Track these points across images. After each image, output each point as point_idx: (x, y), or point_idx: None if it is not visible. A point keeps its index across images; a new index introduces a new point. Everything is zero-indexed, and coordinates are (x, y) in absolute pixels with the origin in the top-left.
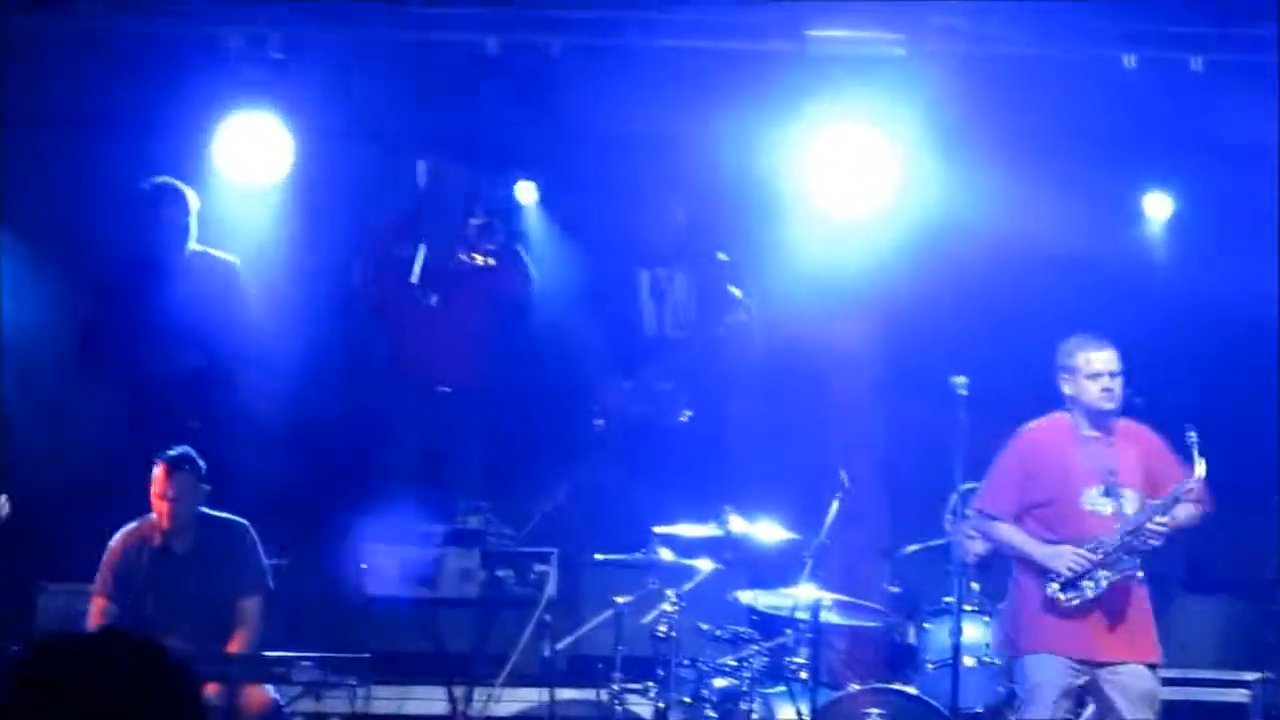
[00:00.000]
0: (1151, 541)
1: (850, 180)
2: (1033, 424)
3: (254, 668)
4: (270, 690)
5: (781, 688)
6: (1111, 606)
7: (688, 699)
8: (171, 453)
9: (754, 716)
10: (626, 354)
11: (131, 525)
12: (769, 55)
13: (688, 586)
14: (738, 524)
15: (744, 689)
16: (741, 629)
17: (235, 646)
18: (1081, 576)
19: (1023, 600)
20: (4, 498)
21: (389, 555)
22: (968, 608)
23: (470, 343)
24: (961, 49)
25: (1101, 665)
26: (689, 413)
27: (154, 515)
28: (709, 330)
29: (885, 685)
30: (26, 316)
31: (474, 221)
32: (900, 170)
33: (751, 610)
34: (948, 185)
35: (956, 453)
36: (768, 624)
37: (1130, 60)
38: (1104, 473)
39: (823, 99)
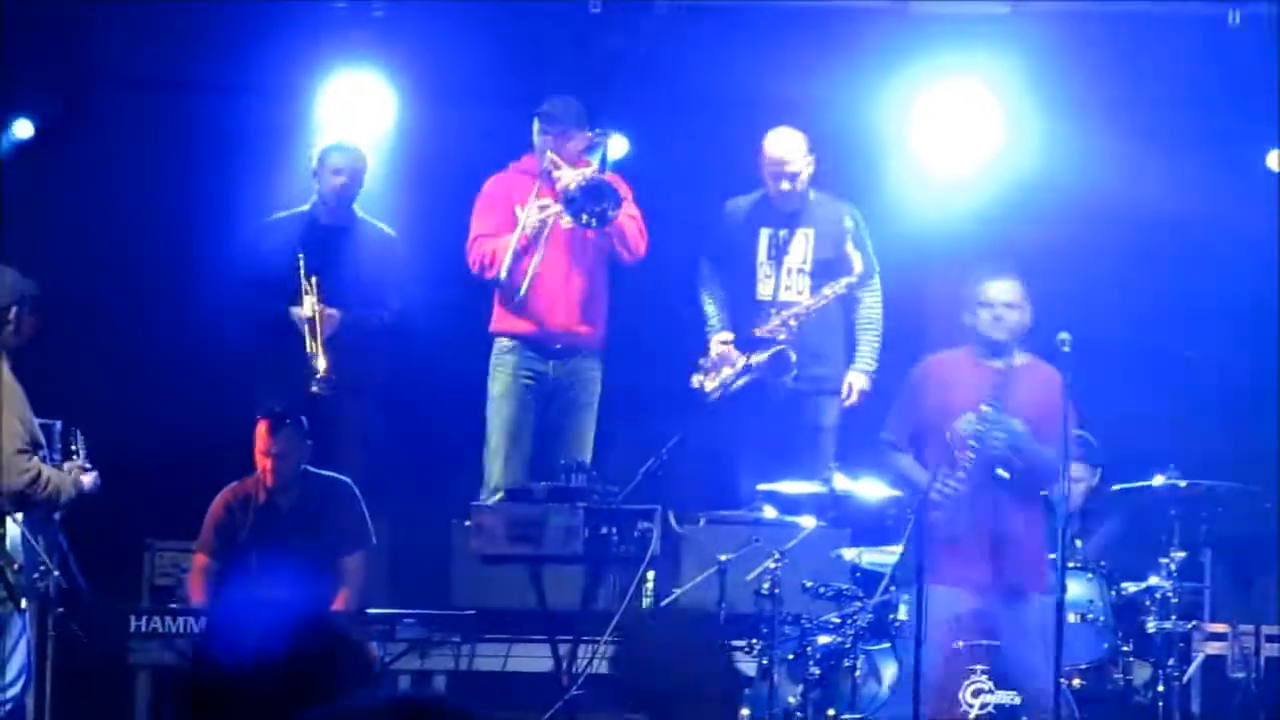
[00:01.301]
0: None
1: (953, 138)
2: (934, 355)
3: (357, 625)
4: (374, 647)
5: (886, 644)
6: (1003, 538)
7: (791, 656)
8: (275, 409)
9: (857, 673)
10: (738, 315)
11: (235, 483)
12: (872, 12)
13: (791, 544)
14: (841, 481)
15: (847, 646)
16: (845, 586)
17: (339, 604)
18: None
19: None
20: (94, 473)
21: (493, 512)
22: (1071, 564)
23: (583, 297)
24: (1064, 6)
25: (997, 597)
26: (789, 376)
27: (258, 472)
28: (821, 290)
29: (989, 642)
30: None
31: (582, 179)
32: (1003, 128)
33: (855, 567)
34: (1051, 143)
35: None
36: (871, 581)
37: (1235, 16)
38: (987, 400)
39: (925, 57)
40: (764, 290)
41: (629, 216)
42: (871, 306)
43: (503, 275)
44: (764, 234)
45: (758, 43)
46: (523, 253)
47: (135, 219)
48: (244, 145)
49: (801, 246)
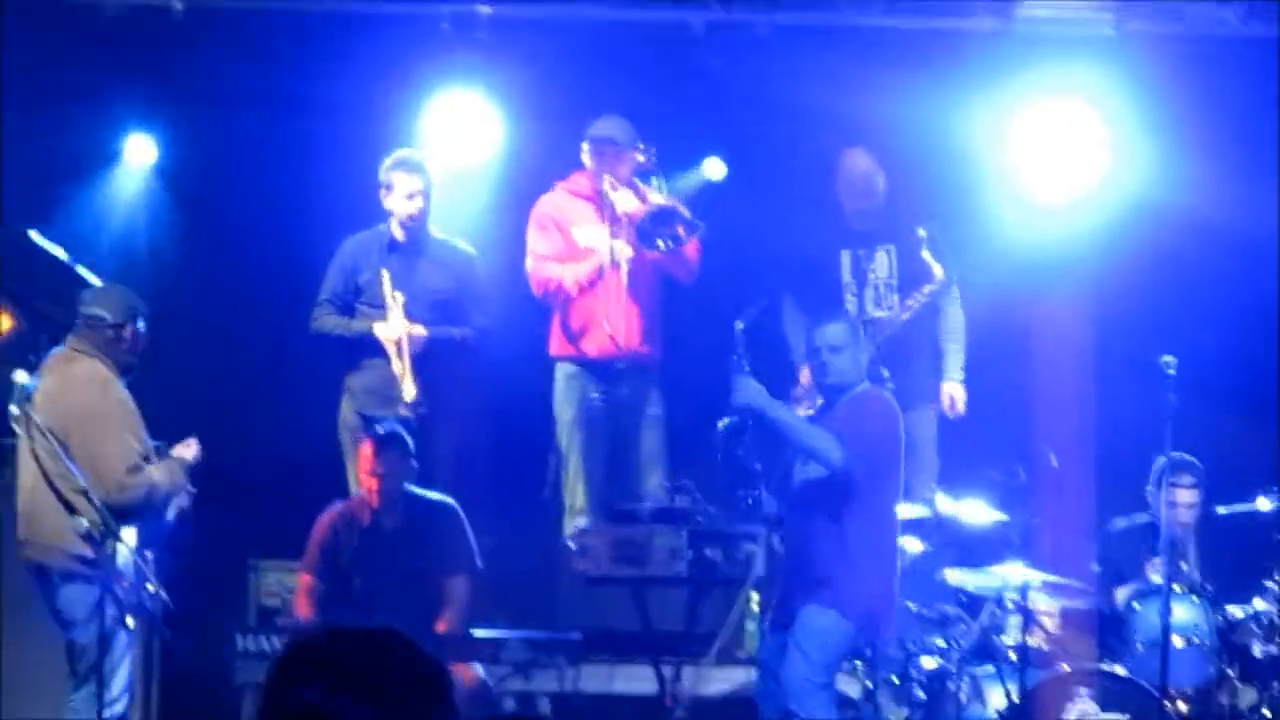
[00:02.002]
0: None
1: (1056, 161)
2: None
3: (462, 647)
4: (479, 669)
5: (990, 668)
6: None
7: (895, 678)
8: (379, 430)
9: (962, 696)
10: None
11: (340, 503)
12: (976, 32)
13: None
14: (945, 504)
15: (952, 669)
16: (949, 609)
17: (443, 625)
18: None
19: None
20: (193, 442)
21: (597, 534)
22: (1177, 588)
23: (642, 316)
24: (1170, 28)
25: None
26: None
27: (362, 493)
28: (906, 301)
29: (1094, 666)
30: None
31: (651, 207)
32: (1106, 151)
33: (959, 590)
34: (1154, 167)
35: (1165, 434)
36: (975, 604)
37: None
38: None
39: (1029, 79)
40: (851, 309)
41: (693, 220)
42: (954, 315)
43: (574, 293)
44: (845, 256)
45: (860, 64)
46: (589, 285)
47: (241, 238)
48: (348, 164)
49: (885, 263)
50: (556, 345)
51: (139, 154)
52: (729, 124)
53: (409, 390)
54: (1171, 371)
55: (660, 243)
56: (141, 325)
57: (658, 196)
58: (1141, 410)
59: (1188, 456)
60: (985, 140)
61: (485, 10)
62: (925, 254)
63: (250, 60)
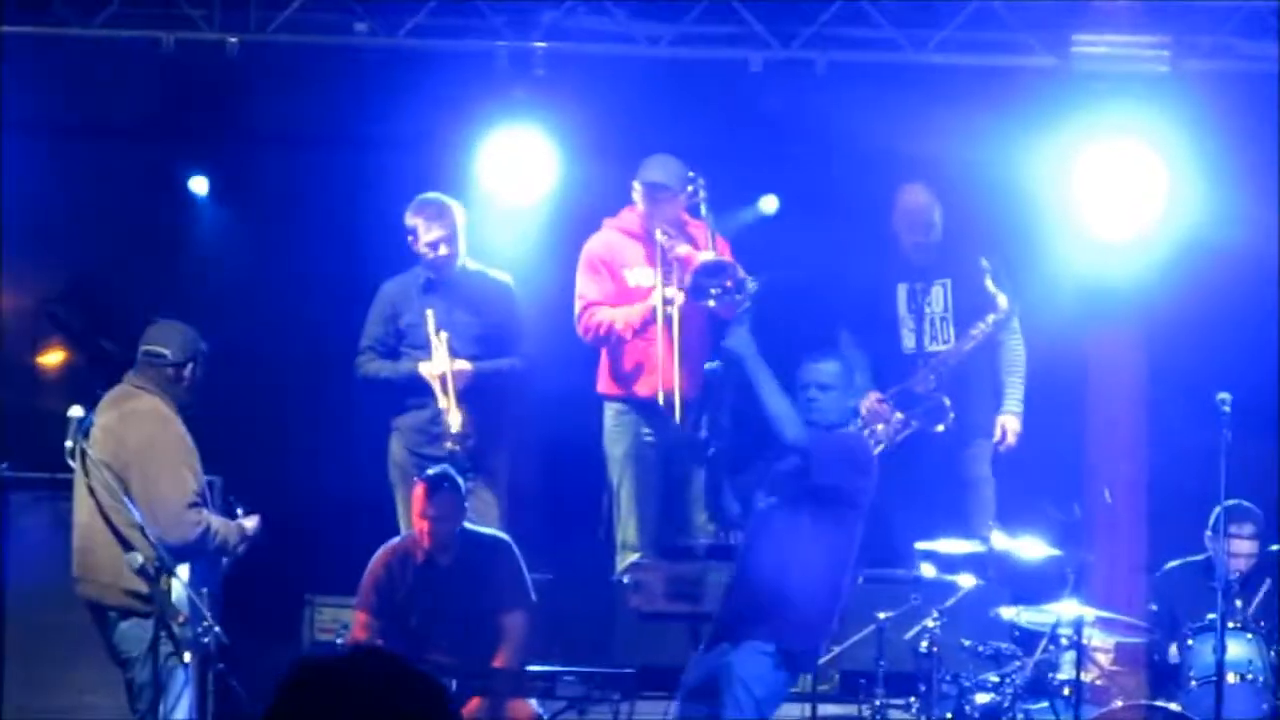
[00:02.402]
0: None
1: (1113, 196)
2: None
3: (518, 682)
4: (534, 705)
5: (1044, 704)
6: None
7: (950, 715)
8: (431, 472)
9: None
10: (885, 371)
11: (395, 540)
12: (1032, 70)
13: (950, 602)
14: (1000, 540)
15: (1006, 705)
16: (1004, 645)
17: (499, 661)
18: None
19: None
20: (256, 517)
21: (652, 570)
22: (1232, 625)
23: (690, 357)
24: (1224, 65)
25: None
26: (947, 422)
27: (414, 533)
28: (963, 339)
29: (1150, 702)
30: (293, 330)
31: (702, 262)
32: (1165, 187)
33: (1014, 626)
34: (1212, 204)
35: (1220, 470)
36: (1030, 640)
37: None
38: None
39: (1086, 115)
40: (908, 343)
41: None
42: (1014, 348)
43: (626, 337)
44: (901, 289)
45: (916, 101)
46: (641, 330)
47: (298, 276)
48: (403, 201)
49: (941, 296)
50: (604, 385)
51: (196, 191)
52: (786, 161)
53: (455, 421)
54: (1227, 409)
55: (712, 292)
56: (201, 364)
57: (708, 254)
58: (1197, 446)
59: (1246, 503)
60: (1043, 177)
61: (542, 46)
62: (989, 284)
63: (305, 97)
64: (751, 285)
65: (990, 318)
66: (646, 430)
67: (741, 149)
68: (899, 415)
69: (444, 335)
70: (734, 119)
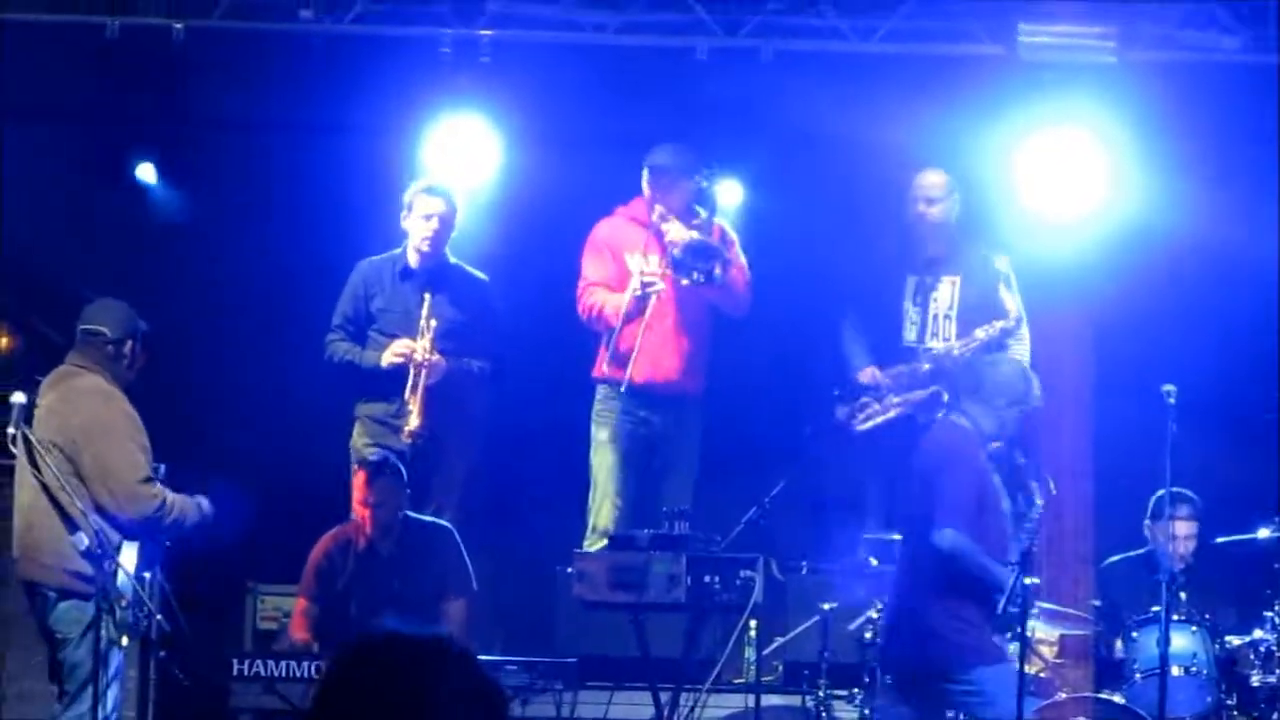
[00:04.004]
0: None
1: (1059, 184)
2: None
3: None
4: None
5: None
6: None
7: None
8: (372, 458)
9: None
10: (882, 358)
11: (337, 528)
12: (979, 59)
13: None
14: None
15: None
16: None
17: None
18: None
19: None
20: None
21: (596, 559)
22: (1175, 617)
23: (688, 349)
24: (1171, 56)
25: None
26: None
27: (357, 519)
28: (966, 339)
29: (1094, 695)
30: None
31: (688, 241)
32: (1108, 175)
33: None
34: (1155, 192)
35: (1165, 462)
36: None
37: None
38: None
39: (1031, 104)
40: (909, 335)
41: (737, 270)
42: (1021, 356)
43: (617, 326)
44: (910, 280)
45: (864, 90)
46: (630, 318)
47: (241, 260)
48: (348, 187)
49: (948, 292)
50: (598, 367)
51: (140, 175)
52: (734, 149)
53: (413, 421)
54: (1172, 400)
55: (694, 274)
56: (140, 342)
57: (694, 233)
58: (1142, 437)
59: (1185, 490)
60: (990, 164)
61: (488, 34)
62: (1003, 289)
63: (251, 84)
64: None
65: (998, 324)
66: (631, 418)
67: (687, 138)
68: (894, 399)
69: (434, 323)
70: (680, 107)
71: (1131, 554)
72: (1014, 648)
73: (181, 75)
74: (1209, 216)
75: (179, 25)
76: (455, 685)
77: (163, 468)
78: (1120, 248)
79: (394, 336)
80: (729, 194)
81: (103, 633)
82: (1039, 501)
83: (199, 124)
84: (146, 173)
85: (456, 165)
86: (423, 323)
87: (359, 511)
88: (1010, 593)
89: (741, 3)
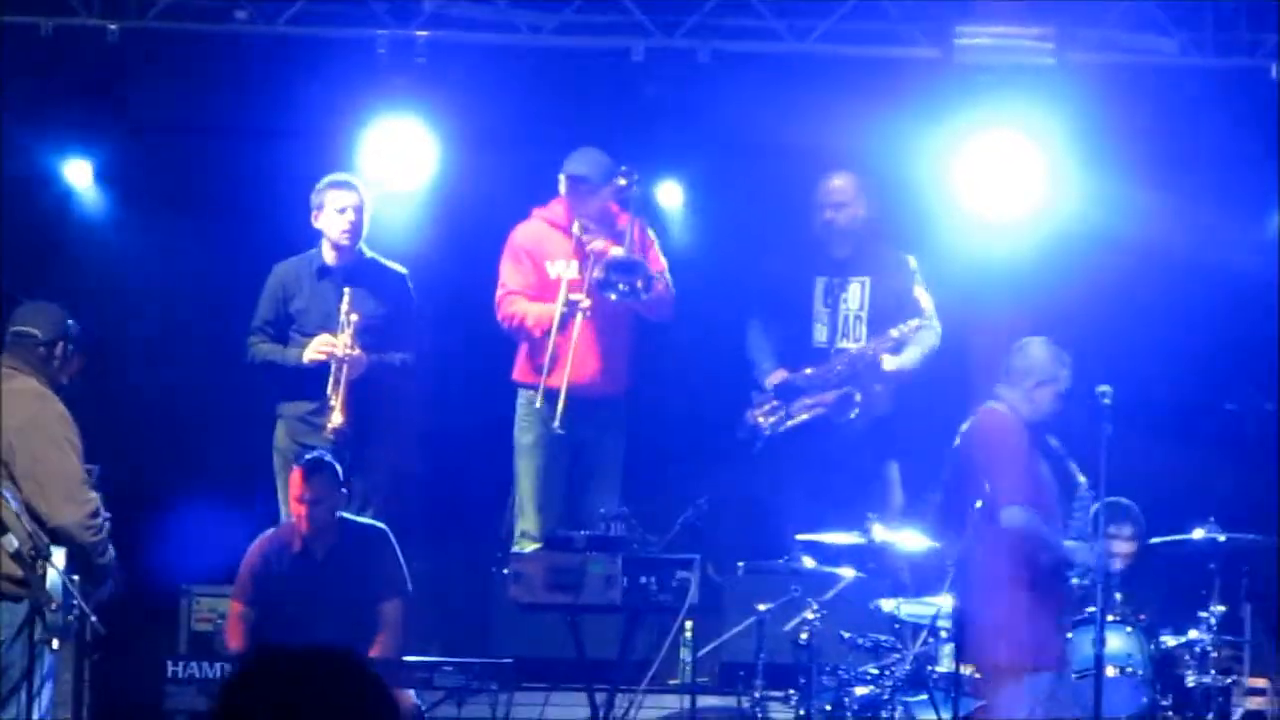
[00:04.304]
0: None
1: (996, 186)
2: None
3: (395, 672)
4: (412, 695)
5: (923, 696)
6: None
7: (829, 707)
8: (309, 456)
9: None
10: (794, 362)
11: (272, 530)
12: (916, 62)
13: (830, 594)
14: (880, 532)
15: (886, 697)
16: (883, 637)
17: (376, 651)
18: None
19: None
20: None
21: (532, 561)
22: (1111, 618)
23: (610, 352)
24: (1109, 58)
25: None
26: (852, 413)
27: (292, 519)
28: (879, 338)
29: None
30: (172, 320)
31: (612, 258)
32: (1046, 177)
33: (894, 618)
34: (1092, 193)
35: (1099, 463)
36: (910, 632)
37: (1277, 71)
38: None
39: (970, 106)
40: (820, 336)
41: (658, 277)
42: (931, 342)
43: (535, 334)
44: (819, 282)
45: (801, 91)
46: (547, 334)
47: (174, 262)
48: (285, 188)
49: (858, 294)
50: (520, 372)
51: (73, 176)
52: (671, 151)
53: (336, 418)
54: (1107, 401)
55: (620, 287)
56: (73, 344)
57: (619, 251)
58: (1078, 437)
59: (1125, 501)
60: (928, 166)
61: (423, 35)
62: (917, 288)
63: (185, 84)
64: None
65: (914, 322)
66: (556, 422)
67: (625, 139)
68: (806, 400)
69: (354, 318)
70: (617, 108)
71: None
72: (949, 649)
73: (115, 76)
74: (1146, 217)
75: (113, 26)
76: (350, 700)
77: (96, 469)
78: (1058, 249)
79: (315, 335)
80: (669, 196)
81: (36, 634)
82: (1081, 479)
83: (134, 126)
84: (79, 174)
85: (393, 166)
86: (343, 317)
87: (295, 509)
88: (1087, 567)
89: (678, 3)
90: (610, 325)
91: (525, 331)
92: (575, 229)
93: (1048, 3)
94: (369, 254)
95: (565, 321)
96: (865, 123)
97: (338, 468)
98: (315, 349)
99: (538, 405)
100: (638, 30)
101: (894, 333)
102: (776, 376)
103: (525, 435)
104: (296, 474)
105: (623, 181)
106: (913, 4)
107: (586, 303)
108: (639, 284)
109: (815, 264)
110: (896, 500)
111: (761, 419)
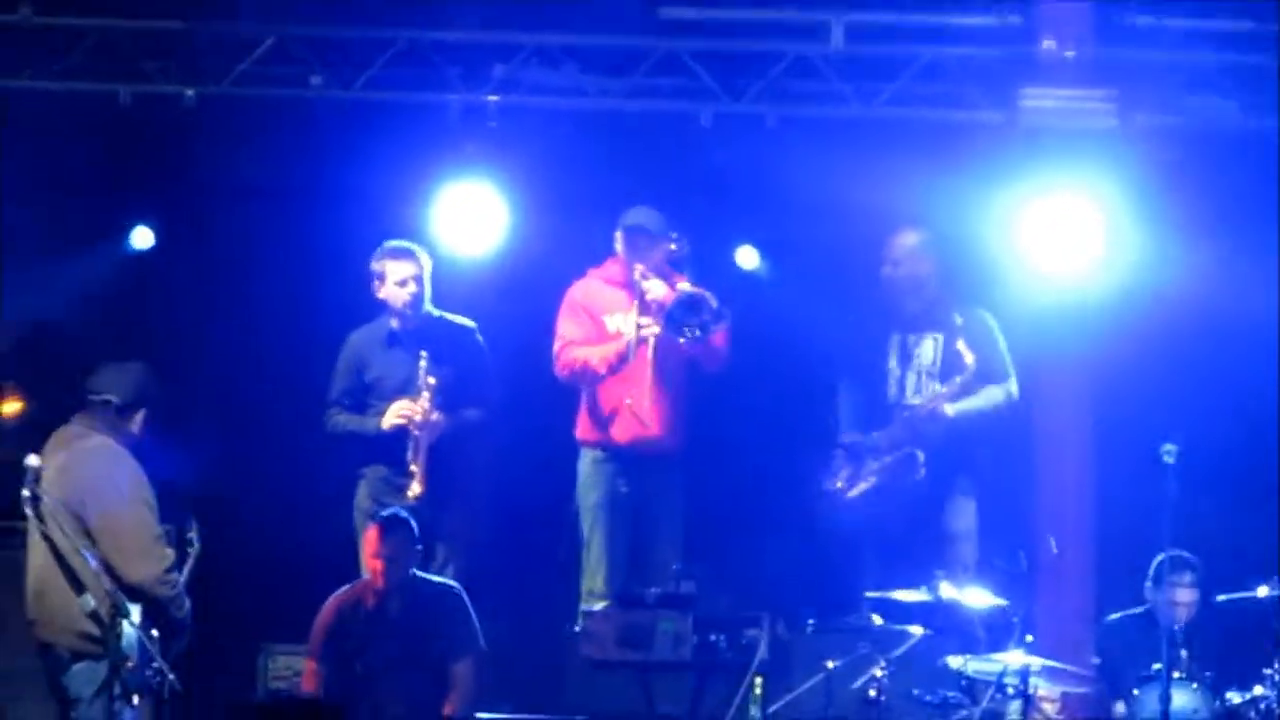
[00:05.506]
0: None
1: (1060, 245)
2: None
3: None
4: None
5: None
6: None
7: None
8: (386, 513)
9: None
10: (871, 421)
11: (347, 587)
12: (981, 125)
13: (898, 651)
14: (948, 590)
15: None
16: (950, 694)
17: (449, 709)
18: None
19: None
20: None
21: (604, 619)
22: (1177, 675)
23: (669, 408)
24: (1172, 121)
25: None
26: (917, 475)
27: (368, 577)
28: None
29: None
30: (251, 382)
31: (679, 294)
32: (1109, 237)
33: (960, 675)
34: (1156, 253)
35: (1164, 522)
36: (977, 689)
37: None
38: None
39: (1034, 169)
40: (892, 392)
41: (721, 309)
42: (997, 398)
43: (600, 372)
44: (894, 339)
45: (868, 153)
46: (618, 365)
47: (249, 325)
48: (359, 252)
49: (930, 350)
50: (582, 430)
51: (140, 243)
52: (738, 213)
53: (416, 488)
54: (1171, 459)
55: (687, 330)
56: (148, 407)
57: (686, 285)
58: (1141, 495)
59: (1185, 554)
60: (992, 227)
61: (494, 99)
62: (960, 343)
63: (261, 149)
64: (727, 317)
65: (957, 379)
66: (621, 479)
67: (693, 202)
68: (873, 464)
69: (432, 381)
70: (685, 172)
71: (1132, 612)
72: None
73: (192, 142)
74: (1208, 277)
75: (190, 92)
76: None
77: (173, 529)
78: (1120, 307)
79: (392, 401)
80: (745, 258)
81: (115, 692)
82: None
83: (209, 190)
84: (143, 239)
85: (463, 231)
86: (420, 381)
87: (371, 566)
88: None
89: (746, 68)
90: (667, 378)
91: (589, 372)
92: (636, 274)
93: (1111, 62)
94: (436, 313)
95: (633, 352)
96: (931, 184)
97: (413, 526)
98: (394, 415)
99: (599, 464)
100: (706, 95)
101: (942, 390)
102: (847, 438)
103: (589, 494)
104: (373, 531)
105: (673, 246)
106: (977, 66)
107: (655, 328)
108: (707, 319)
109: (890, 321)
110: (969, 556)
111: (840, 483)
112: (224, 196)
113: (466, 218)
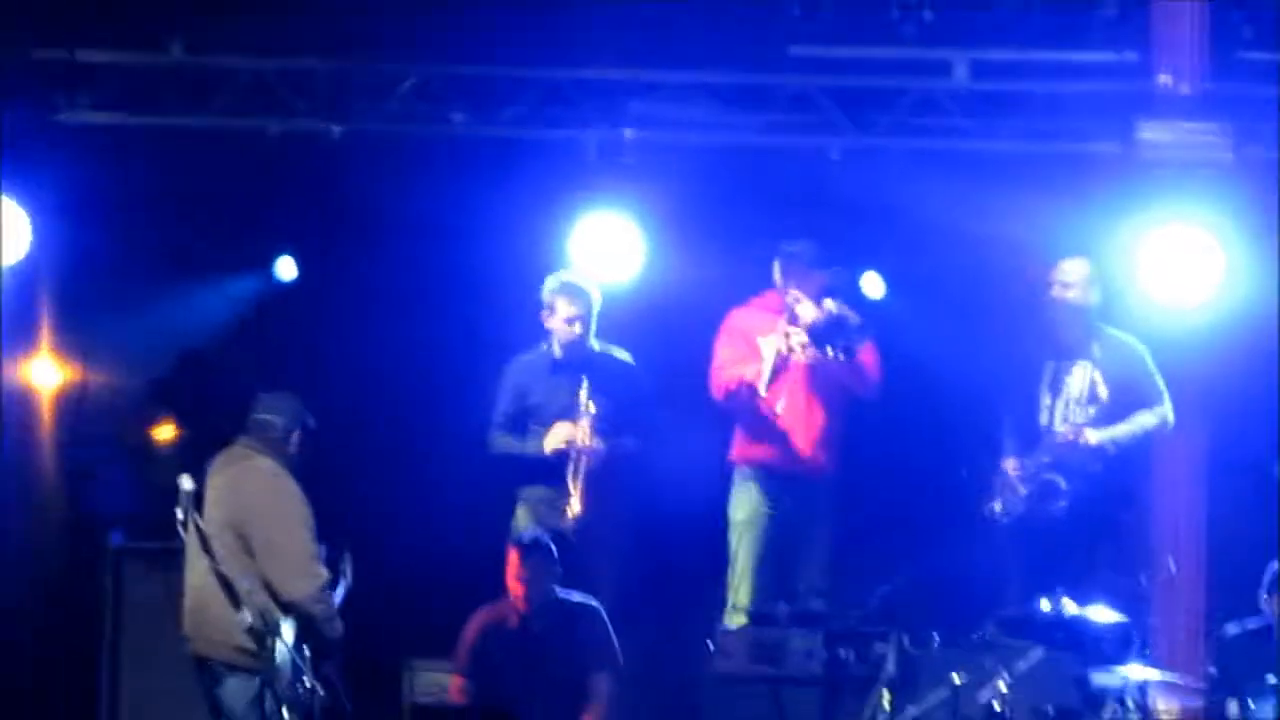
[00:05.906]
0: None
1: (1176, 274)
2: None
3: None
4: None
5: None
6: None
7: None
8: (524, 538)
9: None
10: (1024, 445)
11: (489, 606)
12: (1099, 157)
13: (1022, 665)
14: (1070, 606)
15: None
16: (1073, 708)
17: None
18: None
19: None
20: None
21: (737, 635)
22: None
23: (821, 430)
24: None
25: None
26: (1056, 504)
27: (510, 597)
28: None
29: None
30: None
31: (824, 314)
32: (1224, 266)
33: (1084, 689)
34: (1269, 283)
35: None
36: (1098, 703)
37: None
38: None
39: (1152, 201)
40: (1043, 419)
41: (868, 351)
42: (1148, 422)
43: (762, 391)
44: (1049, 366)
45: (990, 186)
46: (772, 378)
47: (397, 354)
48: (498, 285)
49: (1081, 378)
50: (737, 450)
51: (293, 271)
52: (868, 246)
53: (575, 506)
54: None
55: (830, 350)
56: (305, 433)
57: (831, 304)
58: (1254, 514)
59: None
60: (1112, 257)
61: (630, 134)
62: (1096, 373)
63: (404, 183)
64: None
65: (1091, 409)
66: (769, 498)
67: (822, 234)
68: (1022, 489)
69: (594, 407)
70: (815, 204)
71: (1248, 624)
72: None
73: (337, 176)
74: None
75: (337, 128)
76: None
77: (324, 549)
78: (1235, 335)
79: (552, 425)
80: (870, 287)
81: (266, 705)
82: None
83: (353, 223)
84: (287, 270)
85: (601, 261)
86: (582, 407)
87: (512, 587)
88: None
89: (873, 103)
90: (821, 399)
91: (744, 387)
92: (789, 298)
93: (1227, 95)
94: (598, 347)
95: (785, 364)
96: (1053, 215)
97: (553, 549)
98: (556, 438)
99: (751, 481)
100: (835, 129)
101: (1086, 414)
102: (1008, 464)
103: (739, 511)
104: (513, 554)
105: (829, 279)
106: (1096, 101)
107: (802, 336)
108: (853, 342)
109: (1044, 348)
110: (1104, 576)
111: (998, 507)
112: (368, 229)
113: (604, 248)
